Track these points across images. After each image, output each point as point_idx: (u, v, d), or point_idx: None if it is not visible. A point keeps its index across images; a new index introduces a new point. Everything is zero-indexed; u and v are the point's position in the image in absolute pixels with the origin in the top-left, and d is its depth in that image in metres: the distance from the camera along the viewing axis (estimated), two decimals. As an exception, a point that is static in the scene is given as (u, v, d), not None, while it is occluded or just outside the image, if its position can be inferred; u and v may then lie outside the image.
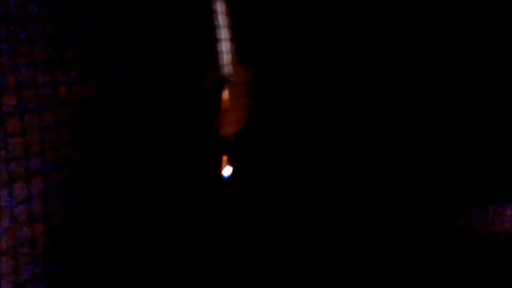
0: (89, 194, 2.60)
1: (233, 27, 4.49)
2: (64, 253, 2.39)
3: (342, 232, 4.06)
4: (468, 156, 5.15)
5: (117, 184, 2.83)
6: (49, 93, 2.34)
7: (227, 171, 4.07)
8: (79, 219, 2.51)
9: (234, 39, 4.50)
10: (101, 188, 2.68)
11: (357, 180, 5.09)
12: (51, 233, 2.30)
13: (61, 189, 2.39)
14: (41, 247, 2.23)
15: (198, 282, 3.46)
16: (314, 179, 5.11)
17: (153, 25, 3.32)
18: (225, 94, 4.21)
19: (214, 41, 4.10)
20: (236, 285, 3.42)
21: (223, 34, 4.32)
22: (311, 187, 4.99)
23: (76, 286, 2.48)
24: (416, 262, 3.47)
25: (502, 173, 4.94)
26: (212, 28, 4.07)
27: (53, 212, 2.33)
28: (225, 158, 4.08)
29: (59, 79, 2.41)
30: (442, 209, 4.40)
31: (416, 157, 5.23)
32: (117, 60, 2.91)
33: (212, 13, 4.10)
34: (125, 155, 2.93)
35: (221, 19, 4.32)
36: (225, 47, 4.34)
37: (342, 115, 5.33)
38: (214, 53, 4.08)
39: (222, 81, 4.17)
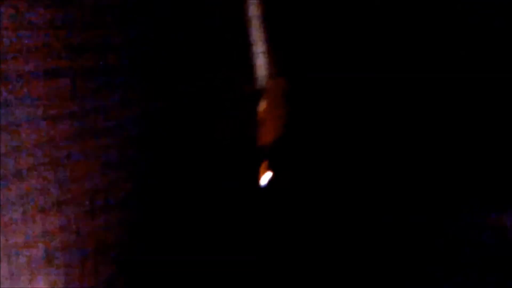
0: (148, 203, 2.86)
1: (268, 42, 4.70)
2: (135, 255, 2.65)
3: (351, 232, 4.13)
4: (470, 157, 5.16)
5: (166, 192, 3.08)
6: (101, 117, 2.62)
7: (265, 176, 4.28)
8: (142, 226, 2.78)
9: (269, 53, 4.71)
10: (153, 196, 2.94)
11: (373, 181, 5.16)
12: (125, 239, 2.57)
13: (124, 203, 2.66)
14: (116, 252, 2.50)
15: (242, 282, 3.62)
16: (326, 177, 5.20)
17: (198, 44, 3.55)
18: (262, 106, 4.40)
19: (251, 56, 4.31)
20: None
21: (259, 48, 4.54)
22: (328, 187, 5.09)
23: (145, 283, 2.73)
24: (416, 262, 3.53)
25: (504, 175, 4.92)
26: (249, 44, 4.28)
27: (125, 221, 2.60)
28: (263, 164, 4.28)
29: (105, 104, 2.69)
30: (442, 209, 4.39)
31: (420, 158, 5.27)
32: (163, 79, 3.16)
33: (248, 29, 4.31)
34: (174, 167, 3.17)
35: (257, 35, 4.53)
36: (261, 61, 4.55)
37: (372, 119, 5.44)
38: (251, 67, 4.29)
39: (259, 93, 4.37)
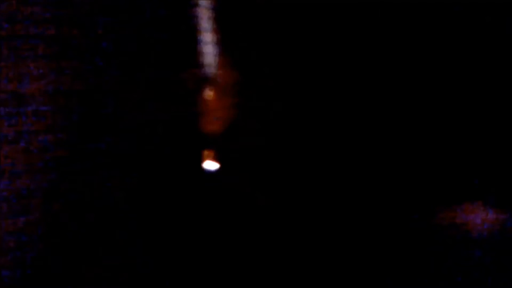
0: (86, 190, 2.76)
1: (218, 29, 4.65)
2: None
3: (338, 232, 4.14)
4: (447, 156, 5.27)
5: (109, 180, 2.99)
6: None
7: (209, 165, 4.22)
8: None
9: (219, 41, 4.66)
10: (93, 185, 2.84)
11: (344, 181, 5.21)
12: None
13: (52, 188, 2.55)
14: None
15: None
16: (302, 176, 5.23)
17: (136, 24, 3.47)
18: (208, 94, 4.34)
19: (197, 42, 4.25)
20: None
21: (208, 35, 4.48)
22: (299, 184, 5.11)
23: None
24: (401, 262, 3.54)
25: (477, 172, 5.04)
26: (194, 29, 4.22)
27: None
28: (207, 153, 4.22)
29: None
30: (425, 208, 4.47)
31: (405, 159, 5.35)
32: (102, 61, 3.07)
33: (194, 15, 4.25)
34: (113, 151, 3.08)
35: (206, 22, 4.48)
36: (209, 49, 4.50)
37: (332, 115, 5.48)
38: (196, 53, 4.23)
39: (204, 81, 4.32)
